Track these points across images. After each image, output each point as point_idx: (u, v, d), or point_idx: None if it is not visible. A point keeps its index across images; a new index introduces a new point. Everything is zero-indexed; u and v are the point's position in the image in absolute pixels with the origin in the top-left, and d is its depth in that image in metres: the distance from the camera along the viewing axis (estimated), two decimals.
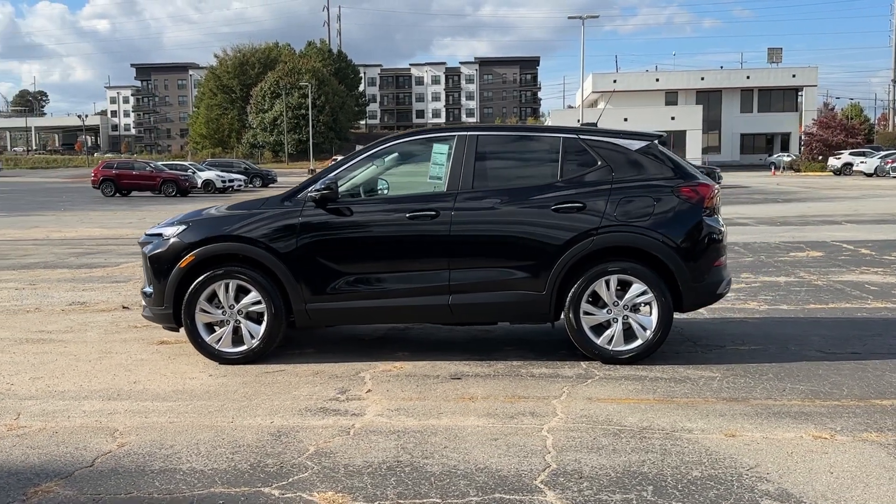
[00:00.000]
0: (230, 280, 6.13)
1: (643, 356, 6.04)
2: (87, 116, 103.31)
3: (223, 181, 43.05)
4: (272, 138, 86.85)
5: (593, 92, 74.00)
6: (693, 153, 62.89)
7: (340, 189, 6.23)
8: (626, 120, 65.99)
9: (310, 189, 6.18)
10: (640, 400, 5.12)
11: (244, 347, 6.17)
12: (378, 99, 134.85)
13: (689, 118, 66.76)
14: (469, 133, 6.36)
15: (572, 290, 5.99)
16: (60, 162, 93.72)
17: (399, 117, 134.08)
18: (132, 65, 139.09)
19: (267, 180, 50.43)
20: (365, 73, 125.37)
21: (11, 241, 16.74)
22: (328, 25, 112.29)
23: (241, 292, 6.15)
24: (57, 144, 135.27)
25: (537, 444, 4.27)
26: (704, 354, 6.36)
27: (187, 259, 6.13)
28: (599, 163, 6.19)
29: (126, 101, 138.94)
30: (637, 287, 6.00)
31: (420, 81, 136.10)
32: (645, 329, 6.03)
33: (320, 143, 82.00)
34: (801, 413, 4.80)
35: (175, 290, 6.17)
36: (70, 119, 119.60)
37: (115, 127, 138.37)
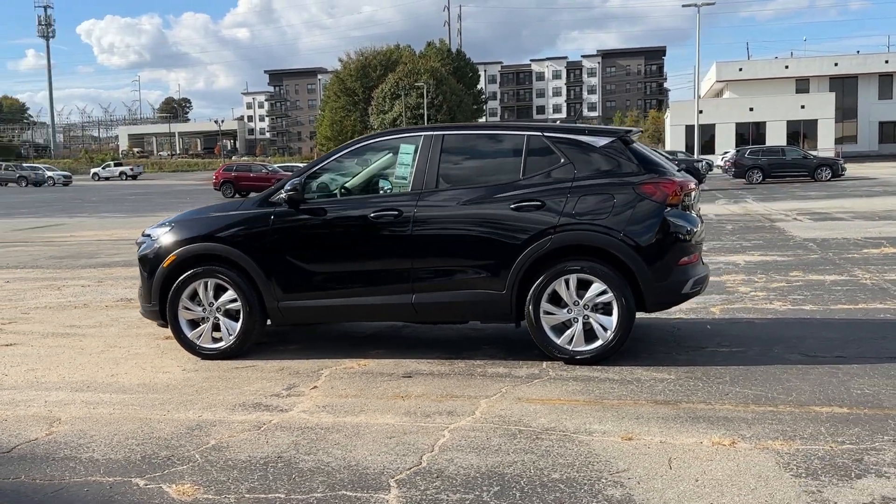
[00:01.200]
0: (209, 279, 6.45)
1: (604, 356, 5.93)
2: (222, 121, 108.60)
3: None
4: None
5: (717, 81, 71.43)
6: (825, 143, 59.61)
7: (313, 188, 6.43)
8: (751, 110, 63.36)
9: (281, 190, 6.42)
10: (570, 401, 5.06)
11: (222, 344, 6.48)
12: (498, 96, 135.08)
13: (820, 106, 63.20)
14: (434, 133, 6.43)
15: (532, 289, 5.96)
16: (200, 165, 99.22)
17: (519, 114, 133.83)
18: (265, 71, 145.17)
19: None
20: (485, 70, 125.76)
21: (113, 241, 17.91)
22: (448, 25, 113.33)
23: (220, 290, 6.46)
24: (199, 148, 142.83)
25: (427, 443, 4.32)
26: (678, 356, 6.17)
27: (170, 259, 6.50)
28: (562, 160, 6.12)
29: (261, 105, 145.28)
30: (597, 286, 5.90)
31: (541, 77, 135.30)
32: (606, 329, 5.92)
33: None
34: (722, 418, 4.62)
35: (160, 288, 6.54)
36: (210, 124, 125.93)
37: (251, 131, 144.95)
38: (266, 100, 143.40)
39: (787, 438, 4.24)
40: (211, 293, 6.46)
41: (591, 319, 5.96)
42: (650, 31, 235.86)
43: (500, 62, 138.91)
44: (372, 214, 6.21)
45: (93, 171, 73.95)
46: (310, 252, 6.34)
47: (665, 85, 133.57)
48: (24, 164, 66.39)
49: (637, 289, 5.89)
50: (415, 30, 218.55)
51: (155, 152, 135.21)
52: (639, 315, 6.66)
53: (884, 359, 5.87)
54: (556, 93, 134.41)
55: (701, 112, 62.38)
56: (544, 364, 5.99)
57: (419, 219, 6.14)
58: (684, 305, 8.13)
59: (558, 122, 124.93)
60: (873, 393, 5.03)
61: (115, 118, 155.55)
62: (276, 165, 45.49)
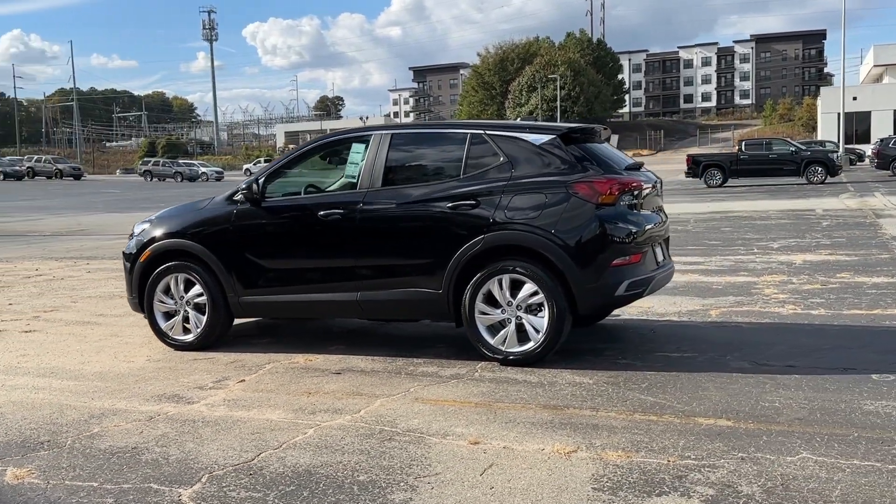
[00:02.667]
0: (179, 273, 6.80)
1: (537, 358, 5.82)
2: (367, 118, 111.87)
3: None
4: None
5: (875, 66, 66.48)
6: None
7: (270, 188, 6.64)
8: None
9: (240, 188, 6.67)
10: (463, 403, 5.02)
11: (189, 336, 6.82)
12: (643, 85, 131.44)
13: None
14: (383, 132, 6.49)
15: (467, 288, 5.92)
16: None
17: (665, 103, 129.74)
18: (410, 68, 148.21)
19: None
20: (629, 59, 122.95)
21: None
22: (590, 14, 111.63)
23: (189, 285, 6.80)
24: None
25: (281, 440, 4.42)
26: (622, 359, 5.98)
27: (146, 254, 6.91)
28: (501, 158, 6.04)
29: (406, 101, 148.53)
30: (528, 287, 5.79)
31: (689, 64, 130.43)
32: (537, 331, 5.81)
33: None
34: (591, 426, 4.47)
35: (138, 281, 6.97)
36: (358, 122, 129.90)
37: None
38: (410, 96, 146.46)
39: (632, 450, 4.06)
40: (182, 287, 6.81)
41: (523, 320, 5.87)
42: (819, 13, 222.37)
43: (646, 50, 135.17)
44: (321, 213, 6.35)
45: (245, 167, 78.08)
46: (266, 249, 6.56)
47: (826, 70, 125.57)
48: (181, 161, 70.90)
49: (569, 290, 5.73)
50: (562, 21, 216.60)
51: None
52: (627, 314, 6.47)
53: (833, 370, 5.45)
54: (706, 80, 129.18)
55: (855, 99, 58.37)
56: (480, 365, 5.94)
57: (362, 217, 6.23)
58: (682, 306, 7.84)
59: (698, 111, 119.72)
60: (779, 406, 4.70)
61: (274, 116, 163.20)
62: None
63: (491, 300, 5.93)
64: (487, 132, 6.17)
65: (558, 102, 75.66)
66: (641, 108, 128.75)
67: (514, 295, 5.86)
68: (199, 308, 6.79)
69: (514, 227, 5.82)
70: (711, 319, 7.32)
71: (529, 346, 5.84)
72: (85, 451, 4.34)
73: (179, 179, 63.18)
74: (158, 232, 6.92)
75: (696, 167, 32.60)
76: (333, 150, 6.90)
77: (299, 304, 6.53)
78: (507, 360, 5.89)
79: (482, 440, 4.28)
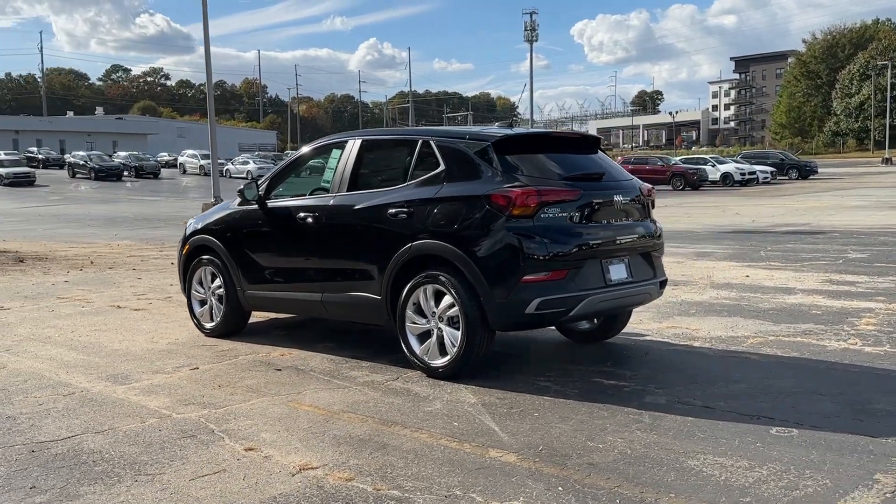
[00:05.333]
0: (207, 267, 7.56)
1: (452, 372, 5.69)
2: (676, 113, 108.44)
3: (742, 174, 42.08)
4: (857, 125, 79.58)
5: None
6: None
7: (281, 188, 7.11)
8: None
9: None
10: (320, 410, 5.11)
11: (213, 324, 7.55)
12: None
13: None
14: (355, 138, 6.67)
15: (400, 297, 5.94)
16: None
17: None
18: (731, 58, 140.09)
19: (805, 172, 47.30)
20: None
21: None
22: None
23: (213, 277, 7.53)
24: (662, 140, 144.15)
25: (108, 426, 4.87)
26: (537, 381, 5.61)
27: (186, 247, 7.76)
28: (441, 167, 5.95)
29: (727, 94, 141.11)
30: (447, 299, 5.69)
31: None
32: (454, 344, 5.67)
33: None
34: (383, 445, 4.37)
35: (182, 272, 7.86)
36: (676, 116, 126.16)
37: (714, 120, 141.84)
38: (731, 87, 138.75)
39: (361, 474, 3.92)
40: (209, 278, 7.57)
41: (444, 332, 5.75)
42: None
43: None
44: (298, 216, 6.71)
45: None
46: (263, 248, 7.06)
47: None
48: None
49: (482, 305, 5.52)
50: None
51: (621, 144, 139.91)
52: (658, 335, 6.13)
53: (746, 417, 4.69)
54: None
55: None
56: (407, 375, 5.92)
57: (326, 221, 6.49)
58: (733, 331, 7.06)
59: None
60: (603, 448, 4.21)
61: (588, 113, 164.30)
62: (677, 159, 44.62)
63: (420, 309, 5.89)
64: (433, 139, 6.10)
65: (888, 92, 67.10)
66: None
67: (437, 306, 5.77)
68: (220, 299, 7.48)
69: (436, 236, 5.72)
70: (732, 349, 6.50)
71: (447, 359, 5.72)
72: None
73: None
74: (195, 227, 7.72)
75: None
76: (321, 155, 7.17)
77: (282, 301, 6.97)
78: (431, 372, 5.81)
79: (259, 448, 4.38)
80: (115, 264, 13.66)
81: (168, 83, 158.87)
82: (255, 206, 7.09)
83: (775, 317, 7.76)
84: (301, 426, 4.76)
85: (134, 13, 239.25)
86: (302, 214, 6.68)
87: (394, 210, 6.00)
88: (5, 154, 55.51)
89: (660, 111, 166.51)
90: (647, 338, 7.00)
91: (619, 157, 50.91)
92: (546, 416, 4.85)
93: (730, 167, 42.58)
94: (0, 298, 9.98)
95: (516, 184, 5.52)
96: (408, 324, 5.93)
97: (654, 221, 6.34)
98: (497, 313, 5.50)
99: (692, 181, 39.35)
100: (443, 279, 5.66)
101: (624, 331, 7.06)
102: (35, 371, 6.28)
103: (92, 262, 13.85)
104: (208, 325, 7.57)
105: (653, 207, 6.40)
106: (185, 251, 7.78)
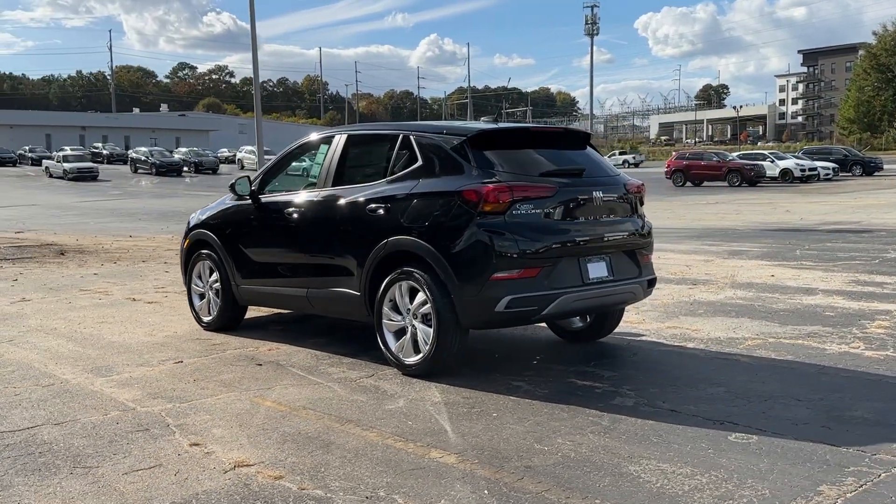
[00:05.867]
0: (205, 261, 7.62)
1: (425, 370, 5.62)
2: (741, 107, 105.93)
3: (802, 170, 40.88)
4: None
5: None
6: None
7: (276, 182, 7.14)
8: None
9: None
10: (281, 406, 5.08)
11: (210, 317, 7.60)
12: None
13: None
14: (340, 133, 6.64)
15: (377, 293, 5.89)
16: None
17: None
18: (799, 51, 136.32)
19: (869, 168, 45.70)
20: None
21: None
22: None
23: (211, 271, 7.57)
24: (727, 135, 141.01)
25: (70, 417, 4.93)
26: (511, 381, 5.49)
27: (187, 241, 7.84)
28: (419, 162, 5.88)
29: (794, 88, 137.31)
30: (421, 296, 5.61)
31: None
32: (426, 342, 5.59)
33: None
34: (325, 442, 4.32)
35: (183, 266, 7.94)
36: (741, 111, 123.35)
37: (781, 115, 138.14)
38: (799, 81, 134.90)
39: (291, 472, 3.88)
40: (207, 272, 7.62)
41: (418, 330, 5.67)
42: None
43: None
44: (286, 210, 6.71)
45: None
46: (253, 242, 7.08)
47: None
48: None
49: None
50: None
51: (683, 139, 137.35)
52: (655, 335, 6.01)
53: (712, 423, 4.53)
54: None
55: None
56: (384, 372, 5.86)
57: (311, 216, 6.47)
58: (737, 332, 6.88)
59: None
60: (547, 450, 4.09)
61: (651, 108, 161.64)
62: (734, 155, 43.47)
63: (396, 306, 5.82)
64: (412, 134, 6.02)
65: None
66: None
67: (412, 302, 5.70)
68: (217, 293, 7.53)
69: (411, 232, 5.65)
70: (726, 351, 6.28)
71: (419, 357, 5.64)
72: None
73: None
74: (195, 222, 7.78)
75: None
76: (312, 150, 7.14)
77: (273, 296, 6.97)
78: (405, 369, 5.75)
79: (205, 444, 4.37)
80: (149, 258, 13.91)
81: (232, 80, 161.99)
82: (249, 202, 7.12)
83: (785, 318, 7.48)
84: (256, 422, 4.75)
85: (201, 11, 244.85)
86: (289, 210, 6.67)
87: (373, 205, 5.94)
88: (70, 150, 57.33)
89: (725, 105, 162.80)
90: (643, 338, 6.82)
91: (674, 153, 49.81)
92: (504, 416, 4.74)
93: (789, 163, 41.37)
94: (27, 290, 10.25)
95: (489, 179, 5.41)
96: (384, 320, 5.87)
97: (641, 218, 6.15)
98: (467, 311, 5.40)
99: (749, 177, 38.32)
100: (417, 276, 5.58)
101: (619, 330, 6.88)
102: (26, 362, 6.40)
103: (126, 256, 14.15)
104: (206, 319, 7.63)
105: (641, 204, 6.21)
106: (185, 245, 7.86)
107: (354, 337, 7.13)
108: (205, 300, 7.65)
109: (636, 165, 73.51)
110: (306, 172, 7.34)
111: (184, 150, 65.43)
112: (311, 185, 6.76)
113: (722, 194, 32.62)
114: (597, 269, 5.67)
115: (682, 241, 14.88)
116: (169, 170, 54.72)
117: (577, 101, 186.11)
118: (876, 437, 4.21)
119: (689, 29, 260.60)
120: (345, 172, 6.46)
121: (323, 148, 6.80)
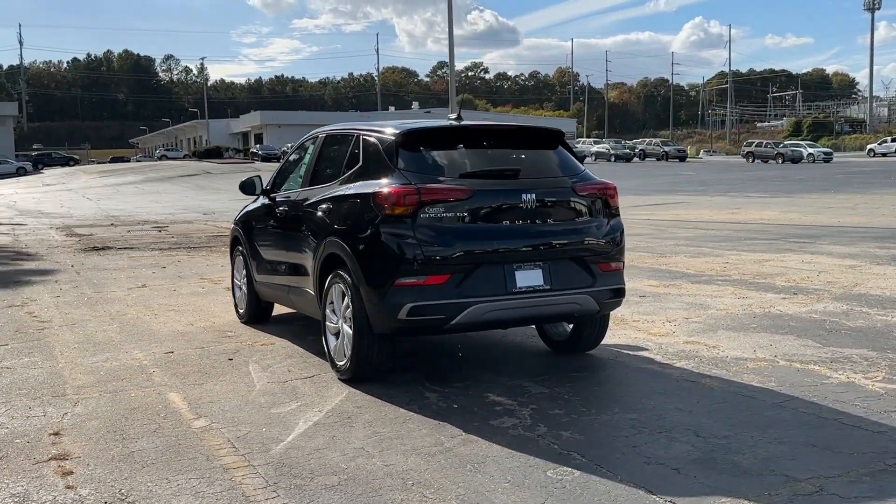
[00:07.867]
0: (239, 256, 7.95)
1: (355, 375, 5.48)
2: None
3: None
4: None
5: None
6: None
7: (284, 182, 7.30)
8: None
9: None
10: (182, 402, 5.21)
11: (242, 310, 7.93)
12: None
13: None
14: (320, 134, 6.66)
15: (321, 293, 5.86)
16: None
17: None
18: None
19: None
20: None
21: (671, 221, 18.43)
22: None
23: (242, 267, 7.87)
24: None
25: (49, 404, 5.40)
26: (427, 393, 5.22)
27: (231, 237, 8.24)
28: (360, 163, 5.73)
29: None
30: (347, 299, 5.47)
31: None
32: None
33: None
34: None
35: (231, 260, 8.35)
36: None
37: None
38: None
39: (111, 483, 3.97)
40: (241, 267, 7.95)
41: (346, 333, 5.55)
42: None
43: None
44: (278, 209, 6.85)
45: (868, 146, 71.22)
46: (262, 239, 7.28)
47: None
48: (786, 142, 68.07)
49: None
50: None
51: None
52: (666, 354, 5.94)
53: (556, 454, 4.00)
54: None
55: None
56: (329, 375, 5.79)
57: (291, 215, 6.57)
58: (734, 350, 6.06)
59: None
60: (353, 473, 3.86)
61: None
62: None
63: (335, 308, 5.73)
64: (362, 134, 5.86)
65: None
66: None
67: (342, 305, 5.58)
68: (245, 287, 7.82)
69: (338, 234, 5.55)
70: (710, 373, 5.51)
71: (345, 361, 5.51)
72: None
73: (780, 161, 61.02)
74: (237, 217, 8.16)
75: None
76: (305, 150, 7.09)
77: (273, 292, 7.13)
78: (339, 374, 5.66)
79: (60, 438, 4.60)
80: None
81: (486, 76, 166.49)
82: (265, 200, 7.33)
83: (838, 338, 6.36)
84: (129, 417, 4.90)
85: (465, 10, 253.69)
86: (280, 209, 6.81)
87: (323, 206, 5.91)
88: None
89: None
90: (640, 353, 6.12)
91: None
92: (362, 429, 4.49)
93: None
94: (157, 277, 11.12)
95: (400, 182, 5.15)
96: (326, 322, 5.81)
97: (599, 222, 5.50)
98: (374, 317, 5.19)
99: None
100: (346, 278, 5.46)
101: (625, 342, 6.33)
102: (51, 348, 7.05)
103: None
104: (240, 311, 7.98)
105: (608, 207, 5.57)
106: (231, 240, 8.27)
107: None
108: (241, 293, 7.99)
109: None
110: (304, 172, 7.40)
111: None
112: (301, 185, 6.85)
113: None
114: (528, 278, 5.18)
115: (854, 243, 12.99)
116: None
117: (857, 83, 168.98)
118: (711, 488, 3.48)
119: None
120: (316, 173, 6.47)
121: (310, 147, 6.85)
